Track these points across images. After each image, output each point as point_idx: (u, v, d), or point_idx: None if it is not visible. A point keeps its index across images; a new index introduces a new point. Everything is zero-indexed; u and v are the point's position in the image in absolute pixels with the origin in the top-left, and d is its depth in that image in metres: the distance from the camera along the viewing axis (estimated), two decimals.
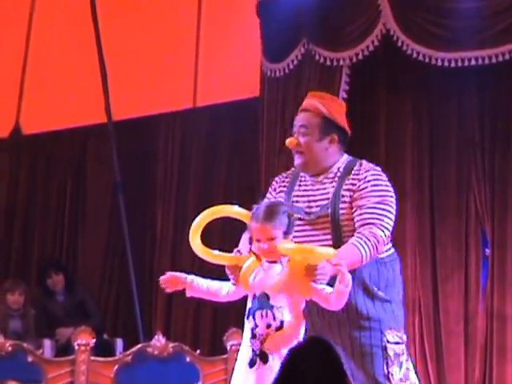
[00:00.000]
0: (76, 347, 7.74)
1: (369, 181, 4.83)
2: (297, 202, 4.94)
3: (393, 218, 4.82)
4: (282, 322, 4.58)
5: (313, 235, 4.88)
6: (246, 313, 4.70)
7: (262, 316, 4.62)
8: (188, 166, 9.48)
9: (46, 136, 10.10)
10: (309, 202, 4.92)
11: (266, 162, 8.40)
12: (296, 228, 4.78)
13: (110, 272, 9.71)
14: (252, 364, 4.58)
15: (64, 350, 8.26)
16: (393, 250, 5.00)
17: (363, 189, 4.81)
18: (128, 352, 8.01)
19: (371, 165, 4.94)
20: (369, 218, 4.75)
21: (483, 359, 8.01)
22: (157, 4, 9.46)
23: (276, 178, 5.16)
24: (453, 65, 7.75)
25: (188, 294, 4.83)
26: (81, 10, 9.40)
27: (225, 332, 7.96)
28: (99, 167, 9.88)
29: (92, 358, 7.79)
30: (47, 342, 8.46)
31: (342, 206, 4.83)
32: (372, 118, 8.27)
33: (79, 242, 9.95)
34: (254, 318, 4.62)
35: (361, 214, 4.78)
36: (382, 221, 4.78)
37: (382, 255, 4.88)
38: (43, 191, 10.16)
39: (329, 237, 4.85)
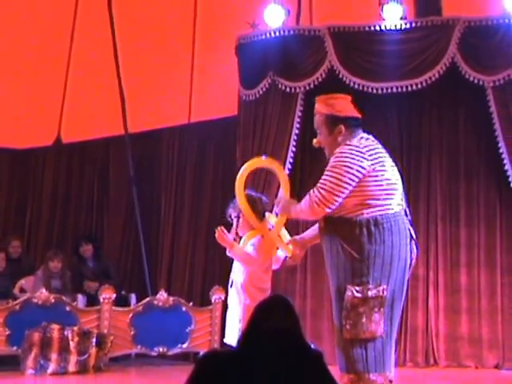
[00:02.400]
0: (101, 300, 7.73)
1: (334, 154, 4.39)
2: None
3: (338, 181, 4.27)
4: None
5: None
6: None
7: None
8: (184, 168, 9.30)
9: (80, 144, 9.96)
10: None
11: (241, 166, 8.24)
12: None
13: (127, 244, 9.59)
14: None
15: (92, 301, 8.17)
16: (376, 213, 4.29)
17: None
18: (139, 304, 7.98)
19: (354, 141, 4.38)
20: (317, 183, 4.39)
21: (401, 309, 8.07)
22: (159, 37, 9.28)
23: None
24: (380, 92, 7.76)
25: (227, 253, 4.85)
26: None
27: (211, 289, 7.99)
28: (119, 167, 9.72)
29: (113, 308, 7.77)
30: (80, 297, 8.35)
31: None
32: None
33: (104, 222, 9.83)
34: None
35: None
36: (322, 183, 4.33)
37: (353, 215, 4.31)
38: (77, 184, 10.04)
39: None
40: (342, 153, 4.37)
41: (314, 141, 4.57)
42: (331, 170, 4.35)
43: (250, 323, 3.15)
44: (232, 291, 4.86)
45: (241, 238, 4.95)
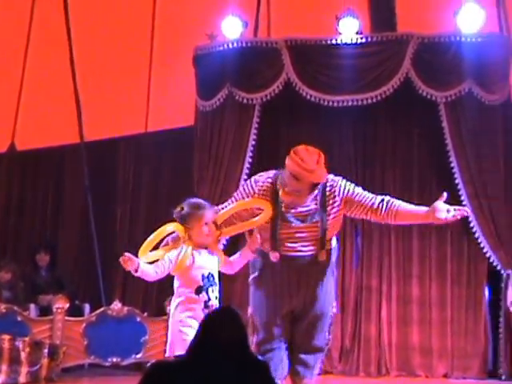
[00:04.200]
0: (54, 310, 7.75)
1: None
2: None
3: None
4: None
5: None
6: (195, 290, 4.52)
7: (212, 291, 4.55)
8: (140, 177, 9.35)
9: (34, 151, 9.94)
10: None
11: (197, 176, 8.36)
12: None
13: (82, 254, 9.59)
14: None
15: (45, 312, 8.15)
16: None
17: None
18: (93, 314, 8.00)
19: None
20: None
21: (354, 319, 8.19)
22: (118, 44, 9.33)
23: None
24: (335, 105, 7.94)
25: (136, 274, 4.56)
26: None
27: (166, 298, 7.98)
28: (74, 175, 9.73)
29: (66, 318, 7.77)
30: (32, 306, 8.33)
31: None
32: (275, 146, 8.17)
33: (59, 232, 9.82)
34: (207, 293, 4.52)
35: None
36: None
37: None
38: (32, 192, 10.02)
39: None
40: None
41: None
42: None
43: (198, 334, 3.21)
44: None
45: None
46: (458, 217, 4.75)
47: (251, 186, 4.95)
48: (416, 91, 7.90)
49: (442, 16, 8.05)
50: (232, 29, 8.29)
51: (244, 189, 4.97)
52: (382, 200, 4.83)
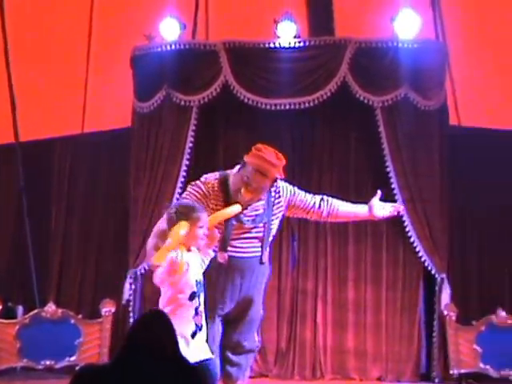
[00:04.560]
0: None
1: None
2: None
3: None
4: None
5: None
6: (188, 295, 4.36)
7: (200, 297, 4.41)
8: (76, 178, 9.28)
9: None
10: None
11: (134, 177, 8.35)
12: None
13: (15, 255, 9.44)
14: (194, 336, 4.31)
15: None
16: None
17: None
18: (26, 316, 7.98)
19: None
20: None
21: (290, 323, 8.23)
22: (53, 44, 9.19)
23: None
24: (273, 108, 7.97)
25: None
26: None
27: (100, 301, 8.06)
28: (9, 176, 9.57)
29: None
30: None
31: None
32: (212, 149, 8.30)
33: None
34: (198, 298, 4.39)
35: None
36: None
37: None
38: None
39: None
40: None
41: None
42: None
43: (128, 337, 3.22)
44: None
45: None
46: (395, 213, 4.90)
47: (202, 189, 4.92)
48: (353, 95, 7.97)
49: (380, 21, 8.13)
50: (170, 30, 8.28)
51: (195, 191, 4.93)
52: (322, 199, 4.97)
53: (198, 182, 5.03)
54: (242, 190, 4.87)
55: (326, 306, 8.25)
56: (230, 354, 5.07)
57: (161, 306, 4.37)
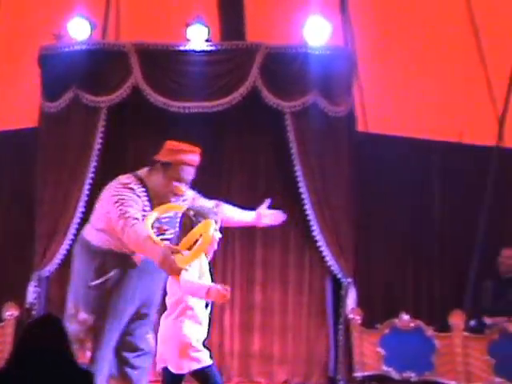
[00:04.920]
0: None
1: None
2: None
3: None
4: None
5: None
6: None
7: None
8: None
9: None
10: None
11: (41, 178, 8.22)
12: None
13: None
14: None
15: None
16: None
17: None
18: None
19: None
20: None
21: None
22: None
23: None
24: (183, 111, 7.98)
25: None
26: None
27: (3, 305, 7.86)
28: None
29: None
30: None
31: None
32: (121, 151, 8.25)
33: None
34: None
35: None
36: None
37: None
38: None
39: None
40: None
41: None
42: None
43: (19, 342, 3.19)
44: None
45: None
46: (278, 221, 5.01)
47: (134, 191, 4.86)
48: (263, 100, 8.04)
49: (290, 28, 8.22)
50: (79, 30, 8.17)
51: (130, 193, 4.82)
52: (216, 204, 4.99)
53: (125, 190, 4.91)
54: (183, 188, 4.90)
55: (233, 309, 8.28)
56: (129, 356, 5.02)
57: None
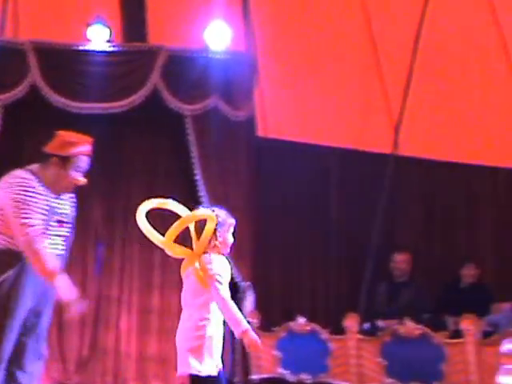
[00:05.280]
0: None
1: None
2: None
3: None
4: None
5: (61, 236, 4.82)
6: None
7: None
8: None
9: None
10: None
11: None
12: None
13: None
14: None
15: None
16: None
17: None
18: None
19: None
20: None
21: (93, 330, 8.18)
22: None
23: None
24: (82, 112, 7.91)
25: None
26: None
27: None
28: None
29: None
30: None
31: None
32: (17, 150, 8.11)
33: None
34: None
35: None
36: None
37: None
38: None
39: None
40: None
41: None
42: None
43: None
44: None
45: None
46: None
47: (32, 195, 4.71)
48: (164, 103, 8.03)
49: (193, 31, 8.25)
50: None
51: (31, 202, 4.68)
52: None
53: (20, 183, 4.70)
54: (82, 178, 4.81)
55: (130, 313, 8.25)
56: (21, 370, 4.86)
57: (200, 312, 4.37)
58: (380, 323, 7.79)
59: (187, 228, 4.62)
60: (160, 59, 8.02)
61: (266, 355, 7.95)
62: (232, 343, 8.19)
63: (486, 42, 8.64)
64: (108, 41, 8.11)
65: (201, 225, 4.59)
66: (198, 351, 4.34)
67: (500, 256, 8.97)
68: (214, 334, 4.41)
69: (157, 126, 8.41)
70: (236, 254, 8.09)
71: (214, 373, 4.37)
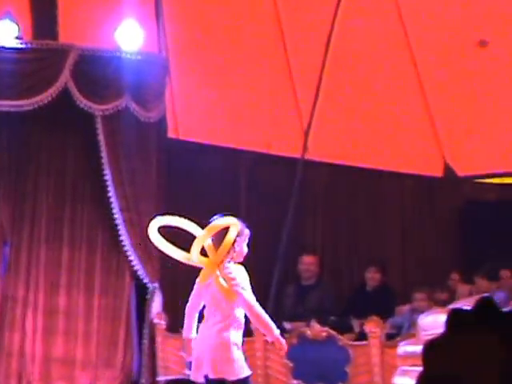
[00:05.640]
0: None
1: None
2: None
3: None
4: None
5: None
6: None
7: None
8: None
9: None
10: None
11: None
12: None
13: None
14: None
15: None
16: None
17: None
18: None
19: None
20: None
21: None
22: None
23: None
24: None
25: None
26: None
27: None
28: None
29: None
30: None
31: None
32: None
33: None
34: None
35: None
36: None
37: None
38: None
39: None
40: None
41: None
42: None
43: None
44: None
45: None
46: None
47: None
48: (74, 102, 7.95)
49: (104, 31, 8.18)
50: None
51: None
52: None
53: None
54: None
55: (36, 313, 8.13)
56: None
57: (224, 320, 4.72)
58: (287, 325, 7.86)
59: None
60: (71, 58, 7.93)
61: (173, 357, 7.95)
62: (139, 344, 8.18)
63: (395, 49, 8.83)
64: (17, 37, 7.96)
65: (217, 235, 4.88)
66: (227, 357, 4.78)
67: (405, 259, 9.19)
68: (238, 339, 4.83)
69: (67, 125, 8.32)
70: (144, 256, 8.10)
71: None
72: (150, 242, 8.06)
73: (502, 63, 8.53)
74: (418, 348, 2.11)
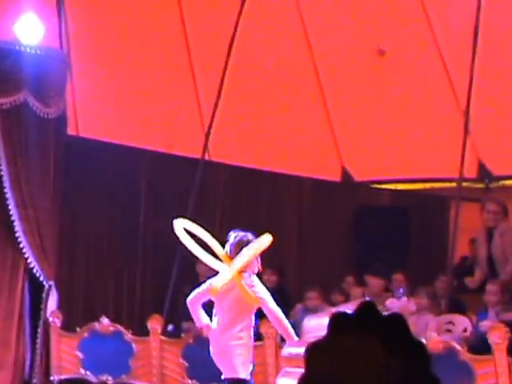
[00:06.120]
0: None
1: None
2: None
3: None
4: None
5: None
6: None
7: None
8: None
9: None
10: None
11: None
12: None
13: None
14: None
15: None
16: None
17: None
18: None
19: None
20: None
21: None
22: None
23: None
24: None
25: None
26: None
27: None
28: None
29: None
30: None
31: None
32: None
33: None
34: None
35: None
36: None
37: None
38: None
39: None
40: None
41: None
42: None
43: None
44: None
45: None
46: None
47: None
48: None
49: (3, 23, 8.02)
50: None
51: None
52: None
53: None
54: None
55: None
56: None
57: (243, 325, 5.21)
58: (185, 325, 7.87)
59: None
60: None
61: (67, 356, 7.86)
62: (32, 343, 8.04)
63: (297, 55, 8.97)
64: None
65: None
66: (241, 358, 5.26)
67: (302, 260, 9.32)
68: (250, 342, 5.27)
69: None
70: (40, 254, 7.97)
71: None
72: (47, 239, 8.04)
73: (398, 72, 8.76)
74: (302, 350, 2.17)
